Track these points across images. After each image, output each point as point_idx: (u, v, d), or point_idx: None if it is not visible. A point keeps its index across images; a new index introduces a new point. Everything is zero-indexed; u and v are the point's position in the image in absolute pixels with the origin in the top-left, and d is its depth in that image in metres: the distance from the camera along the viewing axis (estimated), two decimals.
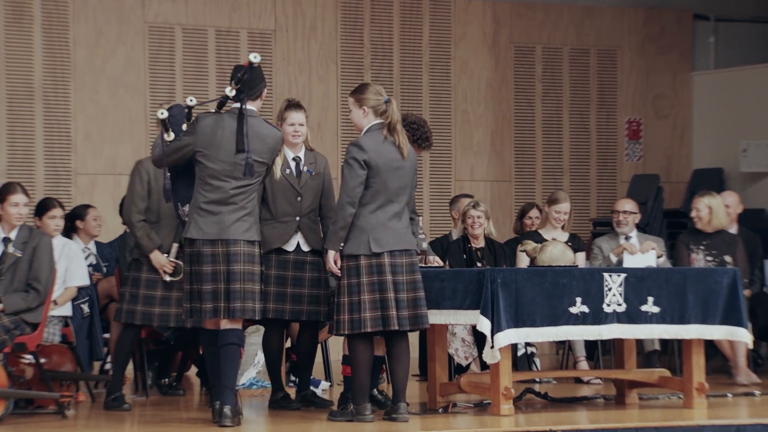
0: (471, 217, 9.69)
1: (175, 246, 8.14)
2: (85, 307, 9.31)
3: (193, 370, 9.69)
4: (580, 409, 8.21)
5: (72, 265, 9.11)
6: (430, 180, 12.91)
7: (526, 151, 13.36)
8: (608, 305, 7.76)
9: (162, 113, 7.28)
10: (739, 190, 11.61)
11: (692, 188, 12.90)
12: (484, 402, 8.02)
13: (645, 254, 9.38)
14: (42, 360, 8.16)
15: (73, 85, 11.64)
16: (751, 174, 13.22)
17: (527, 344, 9.91)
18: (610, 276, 7.78)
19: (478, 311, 7.50)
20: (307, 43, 12.43)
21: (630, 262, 9.19)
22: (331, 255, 7.36)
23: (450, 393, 8.06)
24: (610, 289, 7.77)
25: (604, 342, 9.91)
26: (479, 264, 9.60)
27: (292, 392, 8.56)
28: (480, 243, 9.75)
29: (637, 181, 13.35)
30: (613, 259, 9.69)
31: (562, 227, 9.72)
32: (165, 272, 8.14)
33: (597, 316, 7.72)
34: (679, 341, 8.73)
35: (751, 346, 8.65)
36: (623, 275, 7.81)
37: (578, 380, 9.66)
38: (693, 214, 10.00)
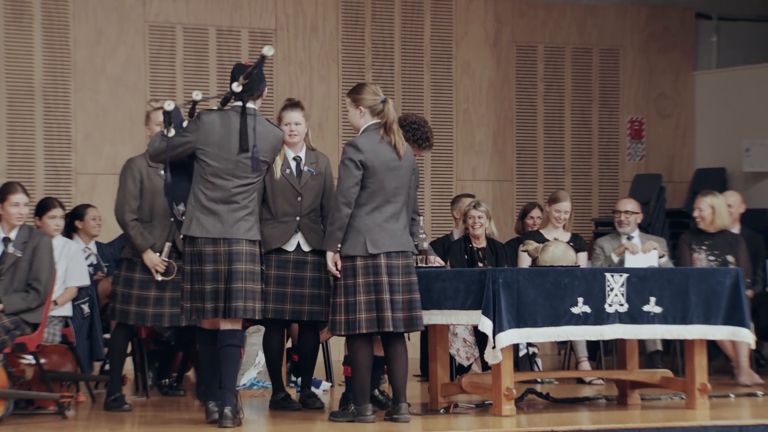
0: (472, 217, 9.68)
1: (167, 245, 8.13)
2: (86, 308, 9.30)
3: (193, 371, 9.67)
4: (582, 409, 8.19)
5: (72, 265, 9.10)
6: (431, 180, 12.89)
7: (528, 151, 13.34)
8: (610, 305, 7.74)
9: (168, 104, 7.23)
10: (742, 190, 11.60)
11: (694, 188, 12.88)
12: (486, 402, 8.01)
13: (647, 254, 9.36)
14: (42, 360, 8.15)
15: (74, 85, 11.62)
16: (753, 174, 13.20)
17: (529, 344, 9.92)
18: (612, 276, 7.77)
19: (479, 311, 7.50)
20: (308, 43, 12.41)
21: (632, 262, 9.17)
22: (330, 257, 7.36)
23: (451, 393, 8.05)
24: (612, 290, 7.75)
25: (606, 342, 9.90)
26: (480, 264, 9.59)
27: (292, 392, 8.55)
28: (481, 243, 9.73)
29: (639, 181, 13.34)
30: (615, 258, 9.67)
31: (564, 227, 9.72)
32: (157, 272, 8.12)
33: (599, 317, 7.71)
34: (682, 342, 8.71)
35: (753, 346, 8.64)
36: (625, 275, 7.79)
37: (580, 381, 9.65)
38: (695, 213, 9.98)
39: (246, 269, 7.25)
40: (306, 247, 8.03)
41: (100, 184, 11.57)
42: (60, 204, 9.26)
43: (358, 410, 7.36)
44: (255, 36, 12.20)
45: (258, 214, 7.51)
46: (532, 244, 8.33)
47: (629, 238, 9.88)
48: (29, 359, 8.06)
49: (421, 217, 8.16)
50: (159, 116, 8.15)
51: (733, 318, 7.99)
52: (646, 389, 8.44)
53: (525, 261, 9.37)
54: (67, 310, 9.13)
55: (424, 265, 7.91)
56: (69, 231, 9.67)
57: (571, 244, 9.01)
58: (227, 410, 7.18)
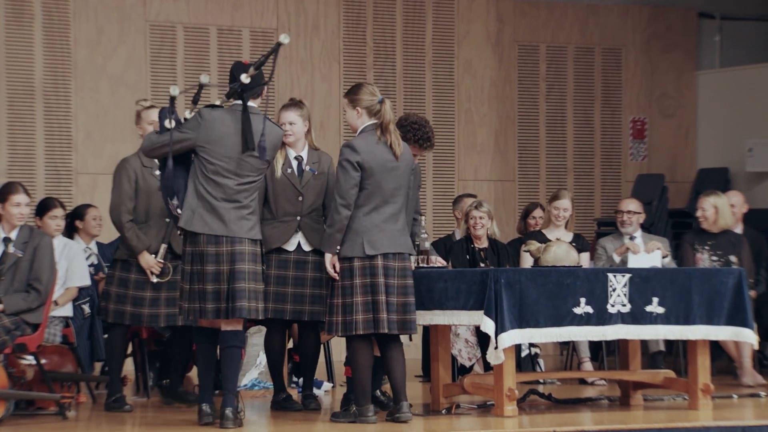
0: (473, 218, 9.66)
1: (163, 247, 8.11)
2: (86, 308, 9.29)
3: (195, 371, 9.64)
4: (584, 410, 8.18)
5: (73, 265, 9.08)
6: (433, 180, 12.87)
7: (530, 151, 13.32)
8: (612, 306, 7.73)
9: (174, 89, 7.18)
10: (745, 190, 11.58)
11: (697, 188, 12.87)
12: (488, 403, 7.99)
13: (650, 254, 9.34)
14: (43, 361, 8.14)
15: (74, 84, 11.61)
16: (756, 174, 13.18)
17: (531, 345, 9.91)
18: (615, 276, 7.75)
19: (481, 312, 7.49)
20: (309, 42, 12.39)
21: (635, 262, 9.15)
22: (329, 258, 7.34)
23: (453, 394, 8.04)
24: (614, 290, 7.74)
25: (608, 343, 9.90)
26: (482, 264, 9.57)
27: (294, 393, 8.53)
28: (483, 243, 9.71)
29: (641, 181, 13.32)
30: (616, 258, 9.65)
31: (566, 226, 9.71)
32: (152, 273, 8.10)
33: (601, 317, 7.70)
34: (684, 342, 8.71)
35: (756, 346, 8.61)
36: (628, 275, 7.78)
37: (582, 381, 9.64)
38: (698, 213, 9.96)
39: (249, 269, 7.23)
40: (307, 247, 8.01)
41: (100, 184, 11.54)
42: (61, 204, 9.25)
43: (359, 411, 7.35)
44: (256, 35, 12.18)
45: (259, 214, 7.49)
46: (534, 244, 8.31)
47: (632, 238, 9.87)
48: (30, 360, 8.05)
49: (423, 217, 8.14)
50: (150, 115, 8.14)
51: (736, 318, 7.97)
52: (648, 390, 8.43)
53: (527, 261, 9.35)
54: (67, 311, 9.12)
55: (425, 266, 7.90)
56: (70, 231, 9.65)
57: (574, 244, 8.99)
58: (228, 411, 7.16)
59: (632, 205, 10.03)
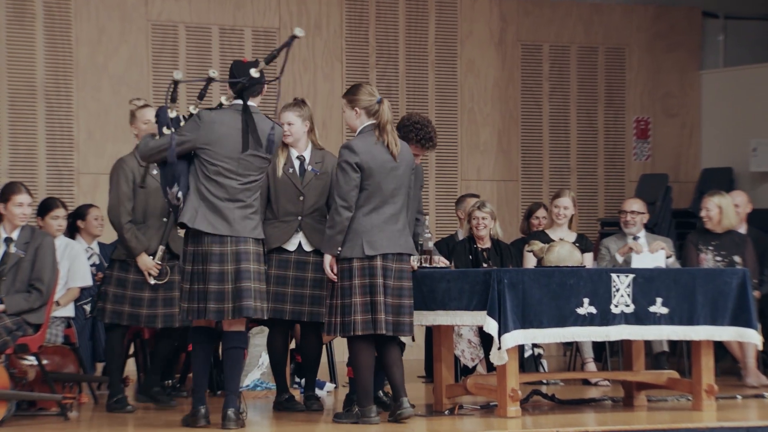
0: (476, 218, 9.64)
1: (161, 248, 8.09)
2: (88, 308, 9.29)
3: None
4: (588, 411, 8.17)
5: (74, 265, 9.08)
6: (436, 180, 12.85)
7: (533, 151, 13.30)
8: (616, 306, 7.71)
9: (177, 74, 7.14)
10: (749, 190, 11.56)
11: (701, 188, 12.85)
12: (491, 404, 7.98)
13: (654, 254, 9.32)
14: (44, 361, 8.14)
15: (76, 84, 11.59)
16: (760, 173, 13.16)
17: (534, 345, 9.89)
18: (618, 277, 7.73)
19: (484, 312, 7.48)
20: (311, 41, 12.37)
21: (638, 262, 9.13)
22: (328, 260, 7.32)
23: (456, 395, 8.02)
24: (618, 290, 7.72)
25: (612, 343, 9.89)
26: (485, 265, 9.56)
27: (296, 394, 8.52)
28: (486, 244, 9.69)
29: (645, 181, 13.30)
30: (619, 258, 9.64)
31: (569, 227, 9.69)
32: (150, 275, 8.07)
33: (605, 317, 7.69)
34: (688, 343, 8.70)
35: (760, 347, 8.58)
36: (631, 276, 7.76)
37: (586, 382, 9.63)
38: (703, 213, 9.94)
39: (254, 268, 7.21)
40: (308, 247, 7.99)
41: (102, 184, 11.47)
42: (62, 204, 9.24)
43: (362, 412, 7.34)
44: (258, 35, 12.16)
45: (262, 213, 7.47)
46: (537, 245, 8.29)
47: (635, 238, 9.85)
48: (31, 360, 8.04)
49: (427, 217, 8.12)
50: (145, 114, 8.11)
51: (740, 319, 7.96)
52: (652, 390, 8.41)
53: (530, 261, 9.33)
54: (69, 311, 9.12)
55: (428, 266, 7.87)
56: (71, 231, 9.64)
57: (577, 244, 8.96)
58: (230, 412, 7.14)
59: (636, 205, 10.01)
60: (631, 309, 7.75)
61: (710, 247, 9.87)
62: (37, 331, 7.99)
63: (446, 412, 7.87)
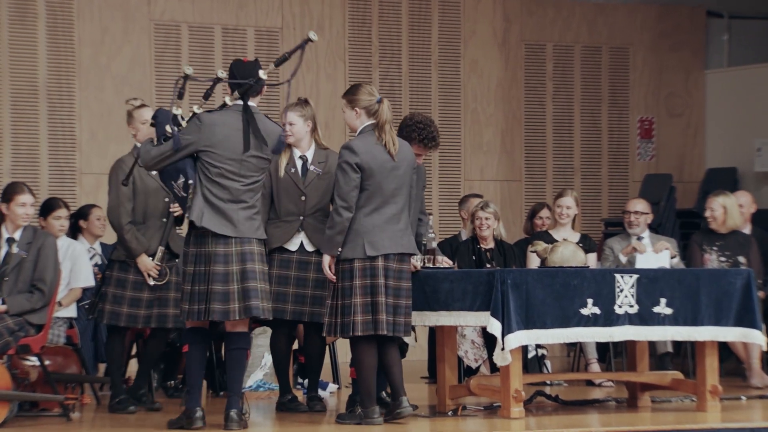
0: (479, 218, 9.62)
1: (161, 249, 8.08)
2: None
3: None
4: (592, 412, 8.16)
5: (77, 265, 9.06)
6: (439, 180, 12.83)
7: (537, 151, 13.28)
8: (620, 306, 7.70)
9: (188, 68, 7.11)
10: (753, 190, 11.55)
11: (705, 188, 12.83)
12: (494, 405, 7.97)
13: (658, 254, 9.30)
14: (46, 362, 8.14)
15: (78, 84, 11.58)
16: (765, 173, 13.15)
17: (538, 346, 9.88)
18: (622, 277, 7.72)
19: (488, 313, 7.46)
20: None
21: (642, 262, 9.10)
22: (327, 260, 7.31)
23: (459, 396, 8.00)
24: (621, 291, 7.70)
25: (615, 344, 9.87)
26: (488, 265, 9.54)
27: (299, 394, 8.50)
28: (489, 244, 9.67)
29: (649, 181, 13.28)
30: (623, 259, 9.62)
31: (572, 227, 9.68)
32: (150, 276, 8.06)
33: (608, 318, 7.67)
34: (692, 343, 8.67)
35: (765, 348, 8.55)
36: (635, 276, 7.74)
37: (590, 383, 9.62)
38: (707, 213, 9.92)
39: (258, 269, 7.20)
40: (310, 247, 7.97)
41: (104, 184, 11.40)
42: (65, 204, 9.23)
43: (365, 413, 7.32)
44: (261, 35, 12.15)
45: (265, 214, 7.45)
46: (540, 245, 8.27)
47: (639, 238, 9.83)
48: (33, 361, 8.04)
49: (431, 217, 8.11)
50: (142, 114, 8.08)
51: (744, 319, 7.95)
52: (656, 391, 8.39)
53: (534, 262, 9.31)
54: (71, 312, 9.10)
55: (431, 266, 7.85)
56: (73, 231, 9.62)
57: (581, 244, 8.95)
58: (233, 413, 7.12)
59: (640, 205, 10.00)
60: (635, 309, 7.73)
61: (714, 248, 9.85)
62: (40, 332, 7.98)
63: (449, 413, 7.85)
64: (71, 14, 11.55)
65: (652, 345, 9.26)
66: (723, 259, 9.81)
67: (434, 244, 7.96)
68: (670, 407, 8.32)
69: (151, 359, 8.36)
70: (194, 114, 7.15)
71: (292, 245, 7.99)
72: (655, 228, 11.20)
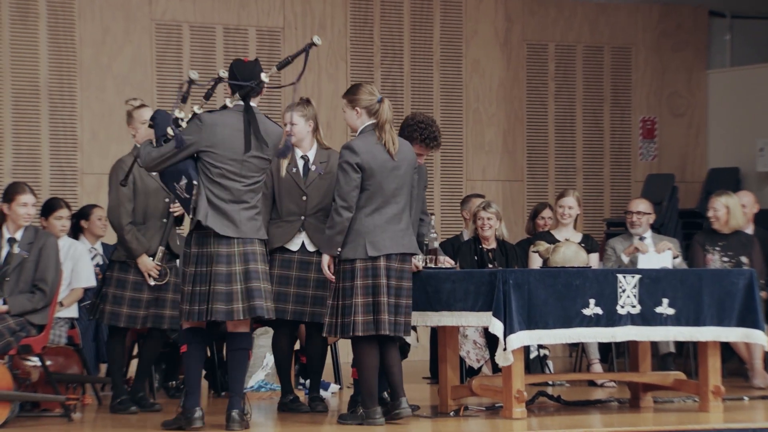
0: (481, 218, 9.61)
1: (161, 249, 8.07)
2: None
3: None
4: (594, 412, 8.15)
5: (78, 266, 9.06)
6: (441, 180, 12.81)
7: (539, 151, 13.26)
8: (622, 307, 7.68)
9: (193, 73, 7.08)
10: (756, 190, 11.54)
11: (708, 188, 12.82)
12: (496, 405, 7.96)
13: (660, 255, 9.30)
14: (48, 362, 8.14)
15: (80, 84, 11.57)
16: (767, 173, 13.11)
17: (540, 346, 9.86)
18: (624, 277, 7.70)
19: (489, 313, 7.46)
20: None
21: (645, 262, 9.10)
22: (325, 260, 7.31)
23: (461, 396, 8.00)
24: (624, 291, 7.69)
25: (618, 344, 9.87)
26: (491, 265, 9.53)
27: (301, 395, 8.49)
28: (491, 244, 9.66)
29: (651, 181, 13.27)
30: (625, 259, 9.61)
31: (574, 227, 9.68)
32: (150, 276, 8.04)
33: (611, 318, 7.66)
34: (695, 343, 8.66)
35: (767, 348, 8.54)
36: (637, 276, 7.73)
37: (592, 383, 9.61)
38: (710, 213, 9.91)
39: (261, 269, 7.19)
40: (311, 248, 7.96)
41: (106, 184, 11.44)
42: (66, 204, 9.23)
43: (366, 413, 7.31)
44: (262, 34, 12.14)
45: (267, 214, 7.43)
46: (542, 245, 8.26)
47: (641, 238, 9.82)
48: (35, 361, 8.03)
49: (433, 216, 8.09)
50: (142, 114, 8.06)
51: (746, 320, 7.94)
52: (658, 392, 8.38)
53: (536, 262, 9.30)
54: (73, 312, 9.10)
55: (433, 266, 7.84)
56: (75, 231, 9.62)
57: (583, 244, 8.94)
58: (235, 413, 7.11)
59: (642, 205, 9.98)
60: (637, 310, 7.72)
61: (717, 248, 9.84)
62: (41, 332, 7.97)
63: (451, 414, 7.85)
64: (72, 14, 11.54)
65: (654, 345, 9.25)
66: (725, 259, 9.80)
67: (436, 244, 7.95)
68: (673, 408, 8.31)
69: (148, 360, 8.35)
70: (195, 114, 7.13)
71: (294, 245, 7.98)
72: (657, 228, 11.18)
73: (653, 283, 7.76)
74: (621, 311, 7.69)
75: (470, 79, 12.97)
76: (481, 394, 7.88)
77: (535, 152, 13.26)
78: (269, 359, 9.16)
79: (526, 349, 9.16)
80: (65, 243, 9.00)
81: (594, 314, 7.62)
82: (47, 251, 8.01)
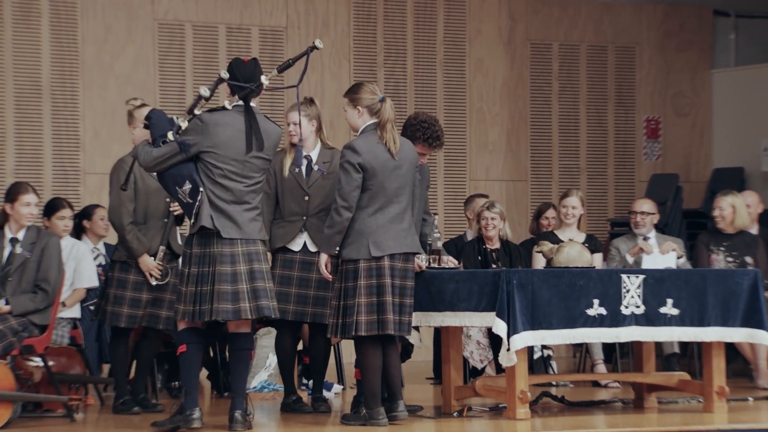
0: (485, 218, 9.60)
1: (162, 249, 8.05)
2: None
3: (203, 373, 9.58)
4: (598, 413, 8.14)
5: (81, 266, 9.06)
6: (444, 179, 12.80)
7: (543, 150, 13.24)
8: (626, 307, 7.67)
9: (204, 90, 7.06)
10: (760, 190, 11.51)
11: (712, 188, 12.80)
12: (500, 406, 7.95)
13: (665, 255, 9.28)
14: (50, 362, 8.14)
15: (82, 83, 11.55)
16: None
17: (543, 347, 9.84)
18: (629, 278, 7.69)
19: (493, 313, 7.45)
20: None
21: (649, 263, 9.08)
22: (323, 259, 7.30)
23: (465, 396, 7.98)
24: (628, 291, 7.68)
25: (622, 345, 9.86)
26: (494, 265, 9.52)
27: (304, 395, 8.48)
28: (495, 244, 9.64)
29: (655, 181, 13.25)
30: (629, 259, 9.59)
31: (578, 227, 9.66)
32: (152, 276, 8.03)
33: (615, 319, 7.64)
34: (699, 344, 8.65)
35: None
36: (642, 277, 7.72)
37: (596, 384, 9.60)
38: (716, 213, 9.90)
39: (264, 268, 7.19)
40: (313, 248, 7.95)
41: (108, 184, 11.47)
42: (69, 204, 9.22)
43: (369, 414, 7.30)
44: (265, 34, 12.12)
45: (270, 214, 7.42)
46: (546, 245, 8.24)
47: (646, 238, 9.80)
48: (37, 361, 8.03)
49: (436, 216, 8.07)
50: (143, 114, 8.00)
51: (751, 320, 7.93)
52: (663, 392, 8.37)
53: (539, 262, 9.28)
54: (75, 312, 9.10)
55: (437, 266, 7.82)
56: (77, 231, 9.61)
57: (587, 244, 8.92)
58: (237, 414, 7.11)
59: (646, 205, 9.97)
60: (641, 310, 7.71)
61: (721, 248, 9.82)
62: (43, 332, 7.97)
63: (455, 414, 7.84)
64: (75, 13, 11.52)
65: (658, 346, 9.24)
66: (730, 259, 9.78)
67: (439, 244, 7.93)
68: (677, 408, 8.29)
69: (146, 361, 8.33)
70: (195, 115, 7.11)
71: (295, 245, 7.97)
72: (661, 228, 11.17)
73: (657, 284, 7.75)
74: (625, 311, 7.68)
75: (474, 79, 12.95)
76: (485, 394, 7.87)
77: (539, 152, 13.24)
78: (272, 360, 9.15)
79: (530, 350, 9.13)
80: (68, 243, 8.99)
81: (598, 314, 7.61)
82: (50, 251, 8.01)
